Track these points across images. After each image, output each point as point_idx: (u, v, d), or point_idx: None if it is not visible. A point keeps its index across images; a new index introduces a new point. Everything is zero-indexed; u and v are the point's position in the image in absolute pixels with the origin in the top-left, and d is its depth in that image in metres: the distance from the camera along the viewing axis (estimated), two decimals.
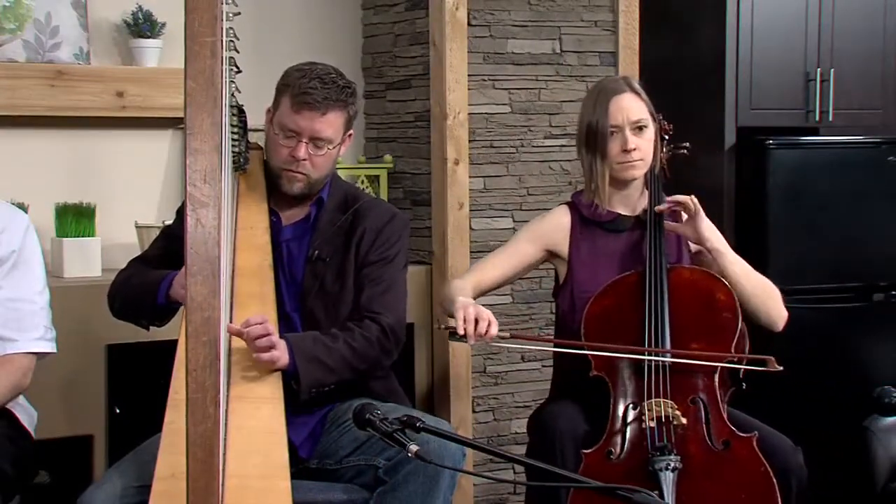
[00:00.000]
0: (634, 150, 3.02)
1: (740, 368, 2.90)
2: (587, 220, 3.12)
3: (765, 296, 3.03)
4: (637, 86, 3.10)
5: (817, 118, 4.49)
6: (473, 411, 3.97)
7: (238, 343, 2.58)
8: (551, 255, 3.16)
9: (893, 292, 4.51)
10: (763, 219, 4.33)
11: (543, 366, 4.05)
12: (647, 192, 3.12)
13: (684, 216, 3.04)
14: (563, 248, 3.12)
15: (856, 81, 4.56)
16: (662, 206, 3.05)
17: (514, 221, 4.01)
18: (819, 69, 4.46)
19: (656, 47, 4.34)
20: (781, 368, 2.84)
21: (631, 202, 3.13)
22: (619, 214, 3.12)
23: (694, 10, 4.48)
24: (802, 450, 2.93)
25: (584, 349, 2.93)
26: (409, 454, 2.14)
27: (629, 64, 4.15)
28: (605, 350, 2.90)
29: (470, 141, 3.93)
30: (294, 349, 2.65)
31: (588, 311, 2.94)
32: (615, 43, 4.15)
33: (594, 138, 3.05)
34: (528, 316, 4.06)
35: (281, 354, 2.61)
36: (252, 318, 2.58)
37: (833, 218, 4.39)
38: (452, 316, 2.90)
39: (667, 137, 3.15)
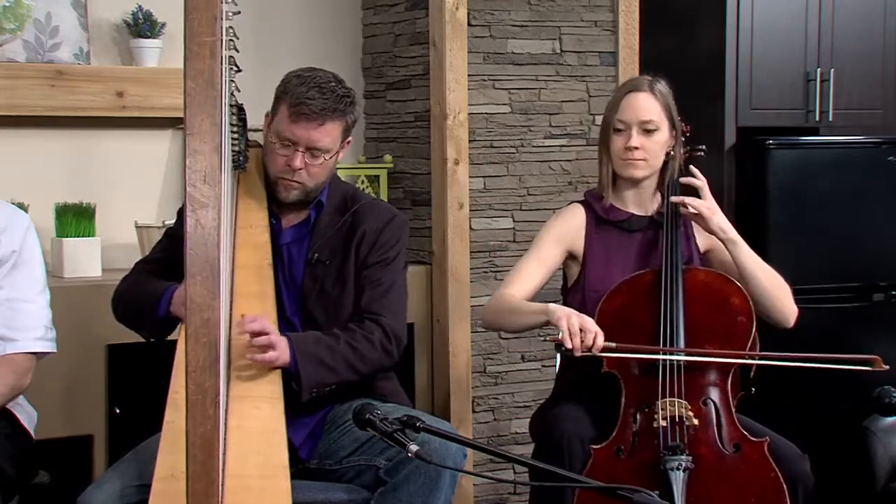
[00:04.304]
0: (637, 149, 3.00)
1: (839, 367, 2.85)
2: (601, 219, 3.10)
3: (778, 290, 3.01)
4: (660, 87, 3.07)
5: (817, 118, 4.49)
6: (473, 411, 3.97)
7: (238, 343, 2.57)
8: (569, 256, 3.12)
9: (893, 292, 4.51)
10: (763, 219, 4.33)
11: (543, 366, 4.05)
12: (660, 193, 3.10)
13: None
14: (580, 247, 3.09)
15: (856, 81, 4.56)
16: (676, 199, 2.99)
17: (513, 221, 4.01)
18: (819, 69, 4.46)
19: (656, 47, 4.34)
20: (888, 367, 2.79)
21: (644, 202, 3.11)
22: (633, 214, 3.10)
23: (694, 10, 4.48)
24: (801, 450, 2.92)
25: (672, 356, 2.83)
26: (409, 454, 2.14)
27: (629, 64, 4.15)
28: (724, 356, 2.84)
29: (470, 141, 3.93)
30: (296, 349, 2.64)
31: (601, 307, 2.91)
32: (615, 43, 4.15)
33: (605, 132, 3.07)
34: None
35: (280, 354, 2.59)
36: (248, 315, 2.58)
37: (833, 218, 4.38)
38: (549, 324, 2.82)
39: (683, 139, 3.12)
